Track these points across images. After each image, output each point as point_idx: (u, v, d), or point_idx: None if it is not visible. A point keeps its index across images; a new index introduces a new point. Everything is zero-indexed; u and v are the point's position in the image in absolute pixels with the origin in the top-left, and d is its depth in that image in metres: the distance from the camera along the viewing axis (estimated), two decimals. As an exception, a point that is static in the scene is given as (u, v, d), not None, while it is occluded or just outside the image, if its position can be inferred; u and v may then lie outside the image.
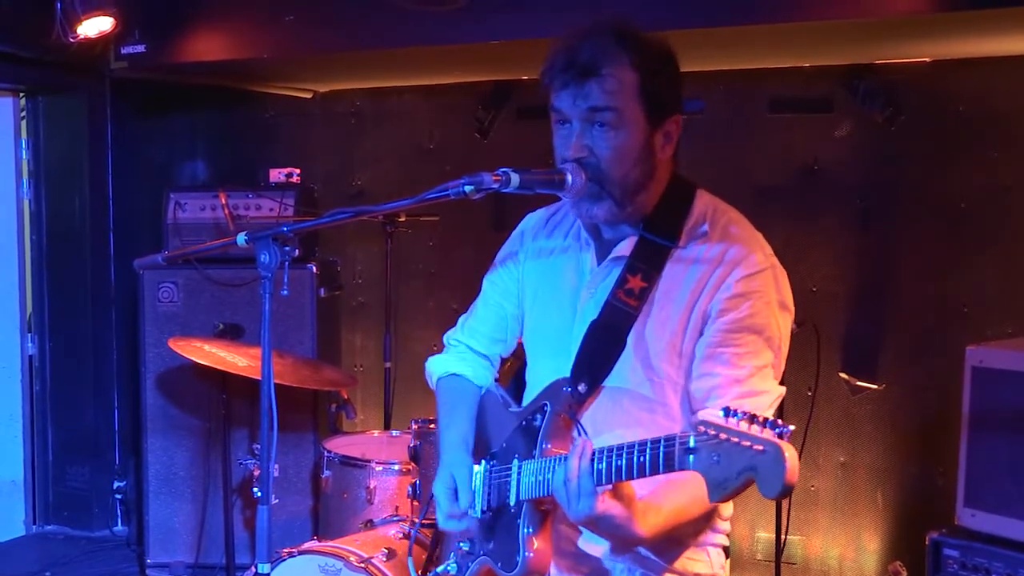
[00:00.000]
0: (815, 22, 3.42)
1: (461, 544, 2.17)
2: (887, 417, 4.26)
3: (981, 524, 3.05)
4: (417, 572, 2.49)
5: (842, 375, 4.21)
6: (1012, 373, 3.01)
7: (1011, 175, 4.00)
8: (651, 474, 1.72)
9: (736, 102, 4.41)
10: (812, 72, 4.33)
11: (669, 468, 1.68)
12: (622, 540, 1.94)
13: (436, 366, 2.40)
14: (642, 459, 1.72)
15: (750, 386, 1.97)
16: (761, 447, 1.51)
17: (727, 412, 1.58)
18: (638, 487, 1.85)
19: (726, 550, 2.18)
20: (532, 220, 2.34)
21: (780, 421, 1.55)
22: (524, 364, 2.31)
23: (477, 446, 2.20)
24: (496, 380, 2.38)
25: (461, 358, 2.38)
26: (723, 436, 1.56)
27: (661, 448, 1.68)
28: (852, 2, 3.36)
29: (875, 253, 4.29)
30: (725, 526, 2.18)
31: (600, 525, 1.84)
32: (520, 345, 2.36)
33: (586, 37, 1.98)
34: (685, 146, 2.10)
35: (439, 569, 2.25)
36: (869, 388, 4.17)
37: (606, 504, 1.79)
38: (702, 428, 1.60)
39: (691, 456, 1.62)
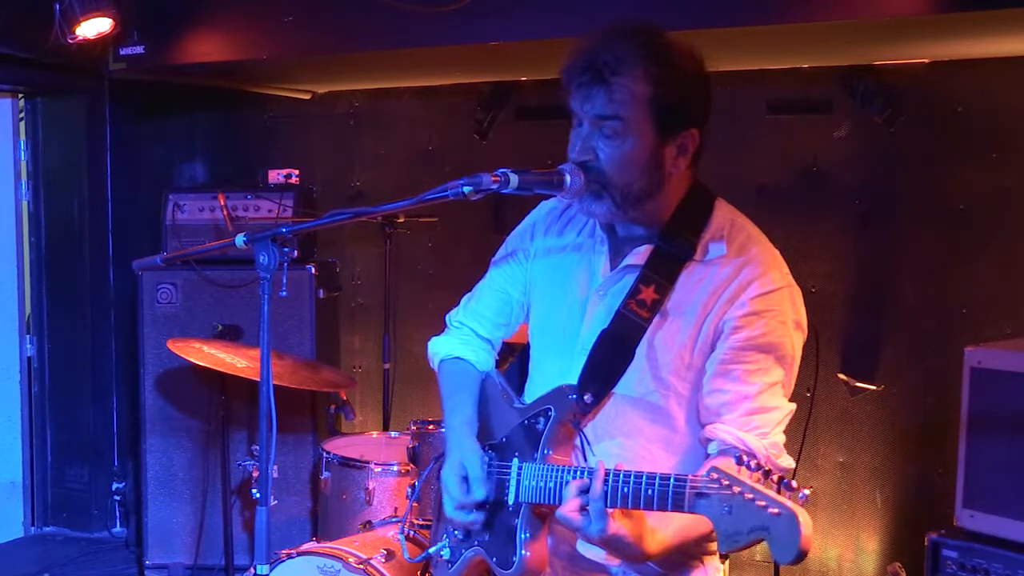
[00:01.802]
0: (814, 23, 3.41)
1: (456, 531, 2.17)
2: (886, 418, 4.26)
3: (980, 525, 3.04)
4: (411, 556, 2.53)
5: (841, 376, 4.20)
6: (1011, 374, 3.00)
7: (1011, 175, 3.99)
8: (658, 509, 1.72)
9: (735, 103, 4.40)
10: (811, 73, 4.32)
11: (677, 508, 1.68)
12: (630, 558, 1.94)
13: (440, 347, 2.38)
14: (650, 492, 1.72)
15: (761, 402, 1.96)
16: (777, 510, 1.50)
17: (739, 461, 1.58)
18: None
19: (722, 556, 2.18)
20: (544, 210, 2.30)
21: (796, 483, 1.54)
22: (526, 354, 2.29)
23: (477, 432, 2.19)
24: (496, 365, 2.37)
25: (465, 342, 2.36)
26: (736, 489, 1.55)
27: (671, 487, 1.69)
28: (852, 2, 3.35)
29: (874, 254, 4.29)
30: None
31: (611, 545, 1.83)
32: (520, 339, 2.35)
33: (607, 41, 1.95)
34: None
35: (431, 550, 2.26)
36: (868, 389, 4.16)
37: (617, 525, 1.79)
38: (714, 475, 1.59)
39: (701, 501, 1.62)
